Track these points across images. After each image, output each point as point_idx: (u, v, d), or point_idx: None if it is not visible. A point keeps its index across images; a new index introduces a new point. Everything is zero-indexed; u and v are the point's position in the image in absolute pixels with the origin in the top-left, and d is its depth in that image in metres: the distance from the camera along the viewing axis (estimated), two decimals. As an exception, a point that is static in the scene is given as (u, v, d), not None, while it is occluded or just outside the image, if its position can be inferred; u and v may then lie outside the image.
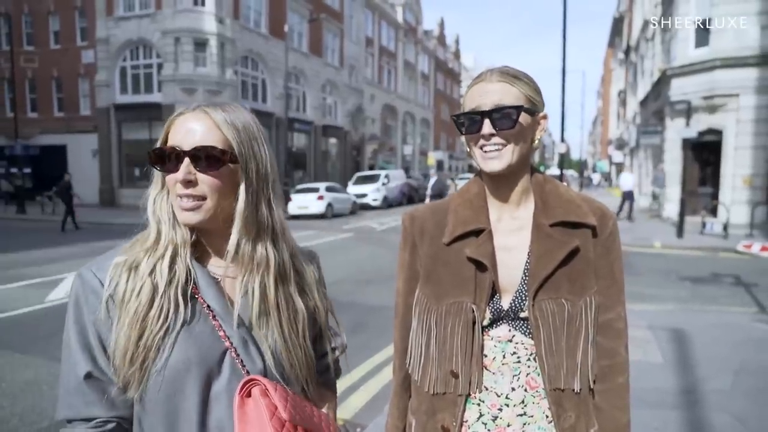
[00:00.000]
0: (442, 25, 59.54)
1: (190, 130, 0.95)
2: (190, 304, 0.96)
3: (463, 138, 1.15)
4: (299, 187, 22.31)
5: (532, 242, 1.12)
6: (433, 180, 17.94)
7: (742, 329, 5.46)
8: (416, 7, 49.67)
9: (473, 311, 1.10)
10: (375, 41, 40.63)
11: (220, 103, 1.01)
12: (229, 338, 0.96)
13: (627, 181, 17.66)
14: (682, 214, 12.83)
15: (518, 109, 1.07)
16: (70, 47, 25.94)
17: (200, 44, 23.02)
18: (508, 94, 1.08)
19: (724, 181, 15.68)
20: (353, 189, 25.32)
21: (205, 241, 1.02)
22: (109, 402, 0.95)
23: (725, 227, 12.76)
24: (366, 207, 24.67)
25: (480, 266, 1.11)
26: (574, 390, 1.09)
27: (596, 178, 58.75)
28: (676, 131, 16.16)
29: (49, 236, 14.29)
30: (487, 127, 1.07)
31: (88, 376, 0.94)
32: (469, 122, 1.10)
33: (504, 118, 1.07)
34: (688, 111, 13.73)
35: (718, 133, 15.76)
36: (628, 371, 1.16)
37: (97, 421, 0.95)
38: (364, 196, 24.87)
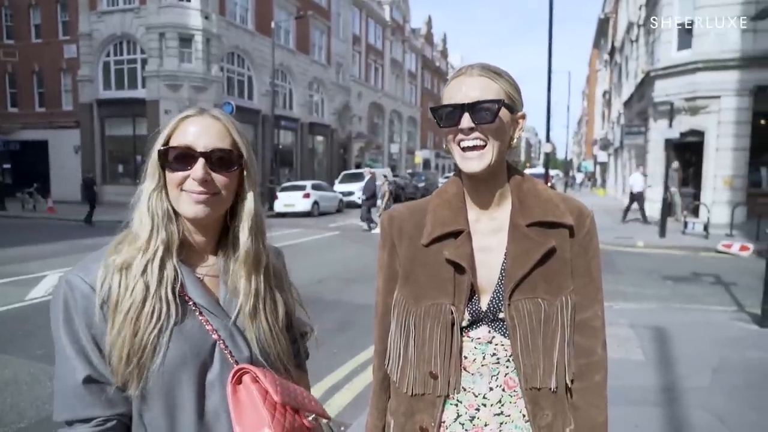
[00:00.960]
0: (429, 23, 59.62)
1: (202, 132, 1.03)
2: (179, 302, 1.00)
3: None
4: (285, 184, 22.22)
5: (509, 242, 1.12)
6: (366, 179, 17.00)
7: (721, 327, 5.56)
8: (404, 5, 49.66)
9: (452, 313, 1.10)
10: (362, 39, 40.55)
11: (216, 109, 1.08)
12: (216, 331, 1.02)
13: (638, 181, 16.54)
14: (664, 214, 13.01)
15: (499, 103, 1.06)
16: (52, 41, 25.48)
17: (185, 40, 22.76)
18: (488, 89, 1.07)
19: (706, 181, 15.93)
20: (340, 187, 25.29)
21: (191, 239, 1.08)
22: (108, 401, 0.98)
23: (706, 227, 12.96)
24: (352, 205, 24.63)
25: (458, 268, 1.11)
26: (550, 389, 1.10)
27: (579, 177, 58.91)
28: (659, 132, 16.38)
29: (30, 233, 14.05)
30: (466, 120, 1.06)
31: (87, 380, 0.96)
32: (448, 115, 1.08)
33: (484, 111, 1.05)
34: (671, 112, 13.92)
35: (700, 134, 16.00)
36: (606, 370, 1.16)
37: (97, 420, 0.97)
38: (350, 194, 24.83)
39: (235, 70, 26.46)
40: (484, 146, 1.07)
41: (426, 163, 51.78)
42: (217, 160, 1.02)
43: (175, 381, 0.97)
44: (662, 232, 12.90)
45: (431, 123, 61.68)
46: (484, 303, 1.12)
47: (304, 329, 1.29)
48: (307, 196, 20.22)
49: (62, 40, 25.26)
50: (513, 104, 1.10)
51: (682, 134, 14.66)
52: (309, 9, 29.82)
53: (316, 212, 20.44)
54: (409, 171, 42.85)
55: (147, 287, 0.97)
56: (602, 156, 41.18)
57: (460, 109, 1.06)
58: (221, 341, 1.02)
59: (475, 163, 1.08)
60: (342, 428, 3.38)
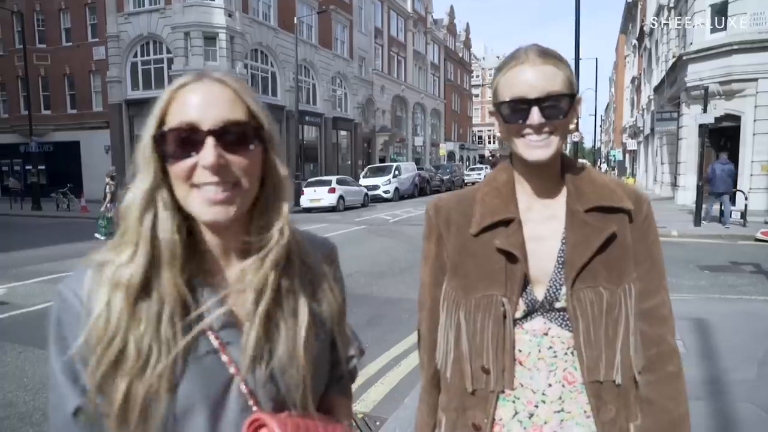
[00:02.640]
0: (451, 13, 59.02)
1: (206, 102, 0.78)
2: (189, 329, 0.78)
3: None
4: (311, 180, 22.33)
5: (567, 230, 1.07)
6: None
7: (764, 318, 5.36)
8: (425, -4, 49.31)
9: (504, 305, 1.06)
10: (384, 32, 40.39)
11: (219, 70, 0.88)
12: (235, 363, 0.80)
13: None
14: (699, 202, 12.63)
15: (570, 97, 1.01)
16: (81, 44, 26.13)
17: (210, 38, 23.05)
18: (555, 79, 1.01)
19: (743, 168, 15.42)
20: (365, 181, 25.31)
21: (207, 243, 0.84)
22: None
23: (743, 215, 12.55)
24: (377, 199, 24.65)
25: (510, 257, 1.07)
26: (614, 382, 1.05)
27: (603, 167, 57.06)
28: (692, 117, 15.89)
29: (65, 232, 14.46)
30: (536, 116, 1.00)
31: (77, 411, 0.78)
32: (513, 112, 1.02)
33: (554, 107, 1.00)
34: (704, 96, 13.48)
35: (736, 118, 15.49)
36: (680, 359, 1.10)
37: None
38: (375, 188, 24.85)
39: (259, 67, 26.69)
40: (551, 134, 1.03)
41: (450, 155, 51.49)
42: (232, 137, 0.78)
43: (180, 425, 0.77)
44: (697, 221, 12.53)
45: (455, 115, 61.57)
46: (539, 293, 1.07)
47: (350, 353, 1.03)
48: (332, 190, 20.28)
49: (91, 43, 25.89)
50: (574, 90, 1.04)
51: (717, 119, 14.19)
52: (331, 3, 29.87)
53: (341, 207, 20.50)
54: (434, 164, 42.71)
55: (141, 314, 0.76)
56: (631, 144, 40.26)
57: (528, 104, 1.00)
58: (240, 377, 0.79)
59: (541, 151, 1.02)
60: (377, 423, 3.37)
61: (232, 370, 0.79)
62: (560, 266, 1.07)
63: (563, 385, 1.07)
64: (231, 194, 0.78)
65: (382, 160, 36.81)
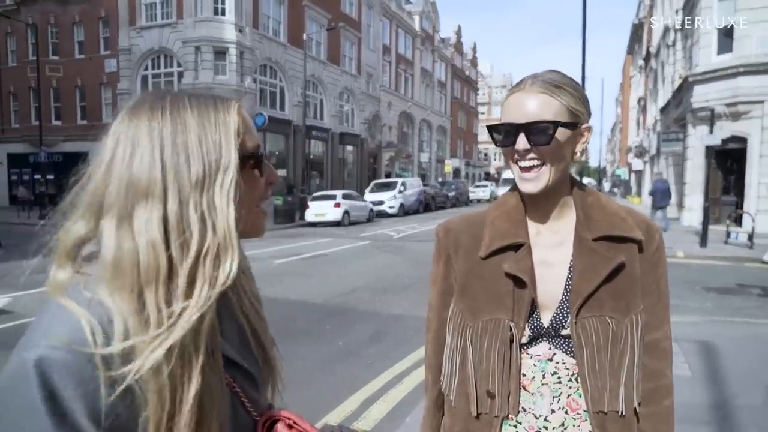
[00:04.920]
0: (459, 32, 59.55)
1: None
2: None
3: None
4: (316, 194, 22.39)
5: (575, 257, 1.07)
6: None
7: (772, 342, 5.30)
8: (433, 15, 49.77)
9: (511, 329, 1.06)
10: (392, 49, 40.78)
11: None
12: (233, 380, 0.78)
13: None
14: (705, 223, 12.58)
15: (555, 124, 1.01)
16: (94, 56, 26.48)
17: (220, 53, 23.30)
18: (547, 107, 1.02)
19: (749, 189, 15.37)
20: (370, 196, 25.34)
21: None
22: None
23: (750, 237, 12.47)
24: (383, 214, 24.64)
25: (519, 282, 1.07)
26: (618, 412, 1.04)
27: (607, 186, 56.34)
28: (698, 138, 15.90)
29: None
30: (521, 141, 1.01)
31: None
32: (504, 134, 1.05)
33: (539, 133, 1.01)
34: (711, 118, 13.49)
35: (742, 140, 15.47)
36: (673, 394, 1.11)
37: None
38: (381, 203, 24.85)
39: (268, 82, 26.93)
40: (541, 166, 1.03)
41: (456, 172, 51.56)
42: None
43: None
44: (703, 242, 12.46)
45: (461, 132, 61.72)
46: (545, 319, 1.07)
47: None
48: (337, 205, 20.30)
49: (103, 55, 26.23)
50: (575, 118, 1.04)
51: (723, 140, 14.19)
52: (340, 21, 30.19)
53: (346, 222, 20.51)
54: (439, 180, 42.74)
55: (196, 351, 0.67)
56: (637, 164, 40.20)
57: (515, 129, 1.02)
58: (239, 389, 0.80)
59: (531, 185, 1.04)
60: (378, 441, 3.34)
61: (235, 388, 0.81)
62: (567, 293, 1.07)
63: (566, 412, 1.07)
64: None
65: (387, 176, 36.89)
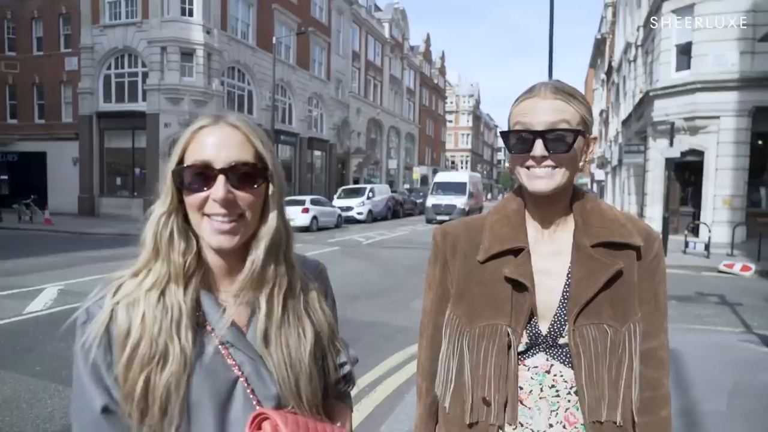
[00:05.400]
0: (428, 41, 60.19)
1: (221, 144, 0.90)
2: (198, 336, 0.91)
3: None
4: (284, 199, 22.10)
5: (573, 265, 1.06)
6: None
7: (731, 349, 5.49)
8: (403, 23, 50.17)
9: (509, 334, 1.04)
10: (362, 56, 40.87)
11: (233, 114, 0.96)
12: (239, 366, 0.92)
13: None
14: (665, 233, 12.99)
15: (576, 132, 1.01)
16: (53, 54, 25.53)
17: (187, 54, 22.84)
18: (563, 114, 1.01)
19: (706, 201, 15.96)
20: (338, 202, 25.25)
21: (213, 262, 0.96)
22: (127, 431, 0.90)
23: (707, 247, 12.95)
24: (351, 220, 24.59)
25: (519, 287, 1.05)
26: (615, 422, 1.03)
27: None
28: (658, 151, 16.45)
29: (27, 245, 13.91)
30: (539, 148, 1.00)
31: (105, 410, 0.89)
32: (518, 141, 1.03)
33: (558, 140, 1.00)
34: (671, 131, 13.99)
35: (700, 153, 16.08)
36: (670, 403, 1.10)
37: None
38: (349, 209, 24.81)
39: (236, 85, 26.56)
40: (555, 168, 1.02)
41: (424, 179, 51.90)
42: (240, 176, 0.90)
43: (193, 420, 0.88)
44: (663, 252, 12.86)
45: (429, 139, 62.11)
46: (543, 327, 1.06)
47: (341, 360, 1.10)
48: (306, 210, 20.13)
49: (64, 53, 25.33)
50: (586, 127, 1.05)
51: (682, 153, 14.73)
52: (310, 25, 30.07)
53: (314, 227, 20.35)
54: (407, 187, 42.92)
55: (156, 323, 0.88)
56: (599, 174, 41.32)
57: (533, 135, 1.01)
58: (243, 378, 0.92)
59: (542, 182, 1.02)
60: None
61: (236, 371, 0.91)
62: (565, 301, 1.05)
63: (564, 426, 1.05)
64: (236, 225, 0.91)
65: (356, 182, 36.86)
